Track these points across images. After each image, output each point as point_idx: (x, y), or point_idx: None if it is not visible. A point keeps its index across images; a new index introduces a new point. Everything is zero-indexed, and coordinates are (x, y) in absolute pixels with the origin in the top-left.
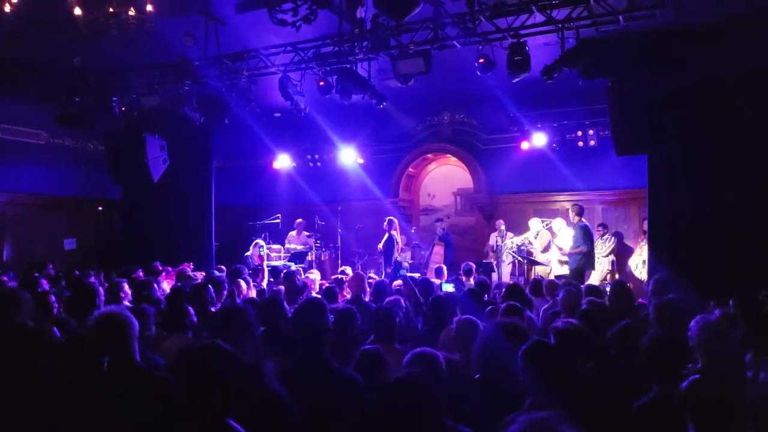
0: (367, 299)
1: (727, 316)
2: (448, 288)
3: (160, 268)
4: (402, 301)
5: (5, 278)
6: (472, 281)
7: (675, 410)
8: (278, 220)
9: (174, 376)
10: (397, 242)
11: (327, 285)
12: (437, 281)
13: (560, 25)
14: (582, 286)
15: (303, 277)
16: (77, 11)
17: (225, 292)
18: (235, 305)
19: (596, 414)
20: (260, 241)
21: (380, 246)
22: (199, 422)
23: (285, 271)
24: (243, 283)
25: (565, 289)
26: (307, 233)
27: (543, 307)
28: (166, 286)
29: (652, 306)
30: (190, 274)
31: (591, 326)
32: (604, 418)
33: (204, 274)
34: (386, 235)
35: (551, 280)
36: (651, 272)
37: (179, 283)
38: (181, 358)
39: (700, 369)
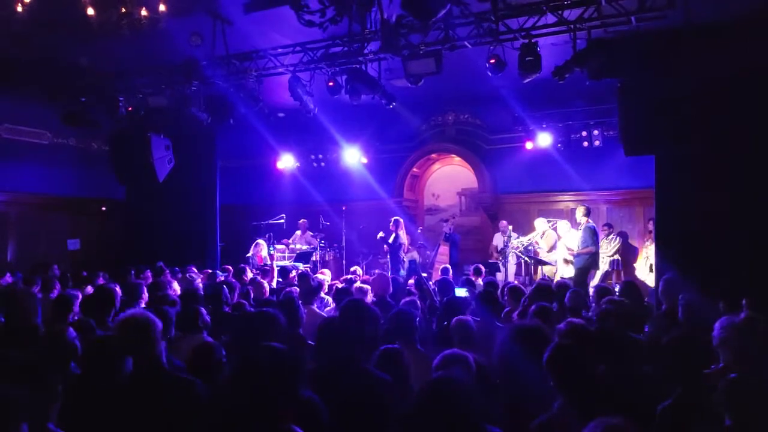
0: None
1: (751, 317)
2: (462, 293)
3: (166, 269)
4: (417, 301)
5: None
6: (480, 281)
7: (703, 410)
8: (282, 220)
9: (236, 381)
10: (402, 242)
11: (341, 286)
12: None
13: (572, 26)
14: (592, 287)
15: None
16: (90, 11)
17: (236, 293)
18: (265, 310)
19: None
20: (261, 241)
21: (386, 246)
22: (266, 430)
23: (299, 272)
24: (266, 284)
25: (571, 291)
26: (311, 233)
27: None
28: (177, 286)
29: (681, 305)
30: (193, 275)
31: (612, 325)
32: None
33: (209, 272)
34: (392, 235)
35: (560, 281)
36: (659, 272)
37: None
38: (245, 363)
39: (733, 369)
